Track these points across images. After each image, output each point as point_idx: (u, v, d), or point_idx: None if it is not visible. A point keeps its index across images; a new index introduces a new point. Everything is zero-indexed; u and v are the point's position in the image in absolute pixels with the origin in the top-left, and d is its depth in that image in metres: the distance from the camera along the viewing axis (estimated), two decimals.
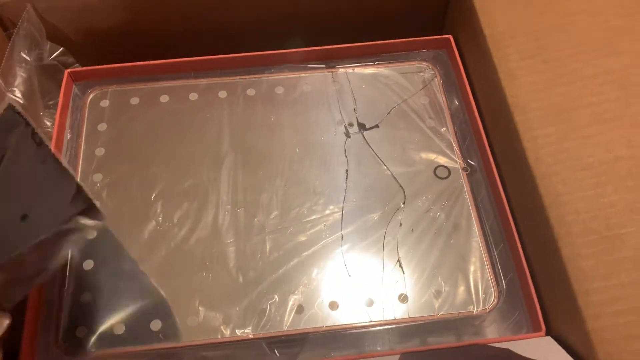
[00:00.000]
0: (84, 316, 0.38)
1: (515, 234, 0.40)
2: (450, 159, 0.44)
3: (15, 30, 0.45)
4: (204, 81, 0.49)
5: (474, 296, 0.39)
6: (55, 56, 0.48)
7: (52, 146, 0.42)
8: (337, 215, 0.42)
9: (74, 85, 0.48)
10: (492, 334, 0.39)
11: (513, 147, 0.40)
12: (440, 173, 0.44)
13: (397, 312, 0.39)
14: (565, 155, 0.37)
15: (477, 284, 0.39)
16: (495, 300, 0.39)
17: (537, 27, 0.42)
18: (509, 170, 0.42)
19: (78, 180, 0.30)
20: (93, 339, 0.37)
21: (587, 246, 0.34)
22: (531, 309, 0.38)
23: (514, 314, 0.39)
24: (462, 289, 0.39)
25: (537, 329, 0.37)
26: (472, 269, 0.40)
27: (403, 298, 0.39)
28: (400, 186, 0.43)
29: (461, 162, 0.44)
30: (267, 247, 0.41)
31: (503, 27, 0.43)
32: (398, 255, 0.40)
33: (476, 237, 0.41)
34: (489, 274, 0.40)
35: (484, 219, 0.42)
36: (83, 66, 0.50)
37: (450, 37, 0.49)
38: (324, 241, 0.41)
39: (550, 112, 0.39)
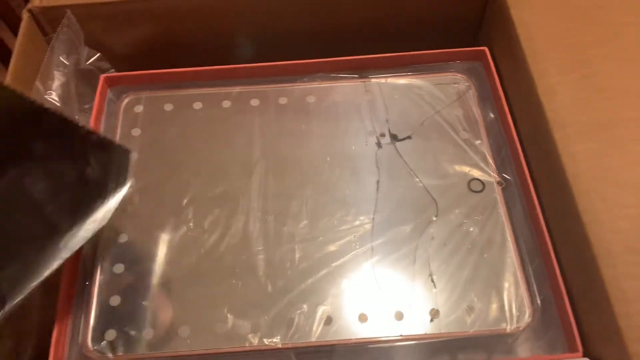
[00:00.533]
0: (113, 319, 0.38)
1: (551, 250, 0.39)
2: (484, 172, 0.43)
3: (54, 35, 0.46)
4: (236, 89, 0.49)
5: (507, 313, 0.38)
6: (92, 61, 0.48)
7: None
8: (368, 227, 0.42)
9: (109, 90, 0.48)
10: (524, 352, 0.38)
11: (551, 162, 0.39)
12: (474, 186, 0.43)
13: (428, 327, 0.38)
14: (606, 171, 0.36)
15: (510, 300, 0.38)
16: (530, 318, 0.38)
17: (578, 40, 0.41)
18: (546, 186, 0.41)
19: None
20: (122, 342, 0.37)
21: (629, 266, 0.33)
22: (567, 328, 0.37)
23: (548, 333, 0.38)
24: (495, 305, 0.38)
25: (573, 349, 0.36)
26: (505, 285, 0.39)
27: (434, 313, 0.38)
28: (433, 198, 0.42)
29: (496, 176, 0.43)
30: (297, 256, 0.40)
31: (542, 40, 0.42)
32: (430, 269, 0.39)
33: (510, 252, 0.40)
34: (523, 290, 0.39)
35: (518, 234, 0.41)
36: (118, 72, 0.50)
37: (486, 49, 0.49)
38: (354, 252, 0.40)
39: (590, 128, 0.38)
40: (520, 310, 0.38)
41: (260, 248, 0.41)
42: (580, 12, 0.43)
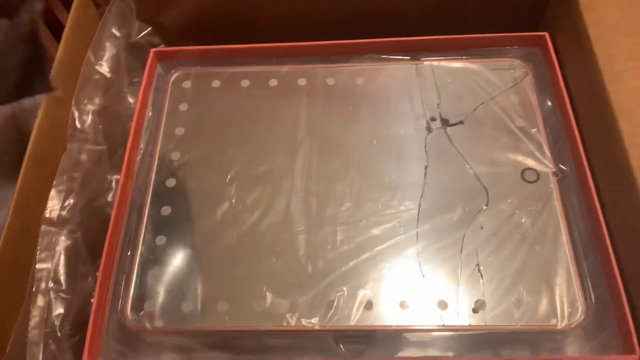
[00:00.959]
0: (152, 291, 0.38)
1: (609, 246, 0.36)
2: (539, 162, 0.41)
3: (107, 7, 0.46)
4: (284, 68, 0.48)
5: (558, 309, 0.36)
6: (143, 35, 0.49)
7: (133, 122, 0.43)
8: (413, 212, 0.40)
9: (158, 65, 0.49)
10: (574, 351, 0.36)
11: (614, 153, 0.37)
12: (528, 176, 0.41)
13: (472, 318, 0.36)
14: None
15: (562, 296, 0.36)
16: (582, 316, 0.36)
17: None
18: (606, 178, 0.39)
19: None
20: (160, 314, 0.37)
21: None
22: (623, 328, 0.35)
23: (602, 333, 0.36)
24: (545, 300, 0.36)
25: (629, 350, 0.34)
26: (557, 280, 0.37)
27: (480, 304, 0.36)
28: (484, 187, 0.41)
29: (552, 166, 0.41)
30: (338, 238, 0.39)
31: (609, 25, 0.40)
32: (477, 259, 0.38)
33: (564, 246, 0.38)
34: (576, 286, 0.37)
35: (573, 227, 0.39)
36: (168, 47, 0.50)
37: (546, 34, 0.46)
38: (397, 238, 0.39)
39: None
40: (573, 306, 0.36)
41: (302, 228, 0.40)
42: None
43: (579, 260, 0.37)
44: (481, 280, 0.37)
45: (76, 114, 0.42)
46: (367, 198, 0.41)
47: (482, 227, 0.39)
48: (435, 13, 0.51)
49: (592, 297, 0.36)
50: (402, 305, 0.37)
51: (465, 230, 0.39)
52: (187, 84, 0.47)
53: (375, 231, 0.39)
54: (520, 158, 0.42)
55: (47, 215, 0.39)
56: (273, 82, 0.47)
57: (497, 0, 0.50)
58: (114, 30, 0.46)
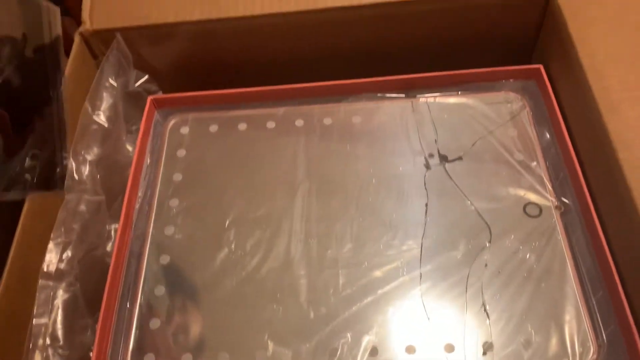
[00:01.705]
0: (152, 343, 0.37)
1: (617, 280, 0.36)
2: (541, 196, 0.41)
3: (104, 58, 0.47)
4: (281, 109, 0.48)
5: (569, 349, 0.35)
6: (141, 83, 0.49)
7: (131, 170, 0.43)
8: (416, 252, 0.39)
9: (155, 112, 0.49)
10: None
11: (615, 185, 0.36)
12: (530, 211, 0.40)
13: None
14: None
15: (572, 335, 0.35)
16: (595, 355, 0.35)
17: None
18: (609, 211, 0.38)
19: None
20: None
21: None
22: None
23: None
24: (555, 340, 0.35)
25: None
26: (566, 317, 0.36)
27: (488, 346, 0.35)
28: (486, 223, 0.40)
29: (554, 200, 0.41)
30: (340, 282, 0.39)
31: (603, 55, 0.40)
32: (483, 298, 0.37)
33: (571, 282, 0.37)
34: (586, 324, 0.36)
35: (579, 262, 0.38)
36: (165, 93, 0.51)
37: (541, 66, 0.46)
38: (401, 279, 0.38)
39: None
40: (584, 345, 0.35)
41: (303, 272, 0.39)
42: None
43: (587, 296, 0.37)
44: (488, 321, 0.36)
45: (74, 165, 0.42)
46: (368, 238, 0.40)
47: (486, 265, 0.38)
48: (427, 50, 0.51)
49: (604, 334, 0.35)
50: (409, 350, 0.36)
51: (469, 269, 0.38)
52: (184, 130, 0.48)
53: (378, 273, 0.39)
54: (521, 192, 0.41)
55: (45, 269, 0.38)
56: (270, 124, 0.47)
57: (488, 33, 0.51)
58: (111, 80, 0.46)
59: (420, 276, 0.38)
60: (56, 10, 0.44)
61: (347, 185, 0.43)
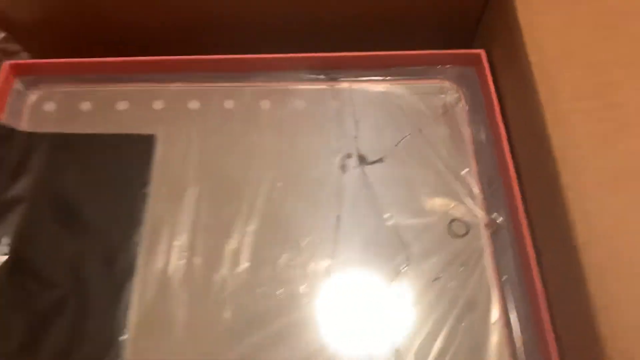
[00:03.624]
0: None
1: (547, 323, 0.30)
2: (469, 212, 0.35)
3: None
4: (173, 86, 0.40)
5: None
6: None
7: None
8: (322, 275, 0.33)
9: (14, 81, 0.39)
10: None
11: (556, 216, 0.30)
12: (456, 229, 0.35)
13: None
14: (629, 242, 0.28)
15: None
16: None
17: (602, 58, 0.32)
18: (547, 238, 0.33)
19: None
20: None
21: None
22: None
23: None
24: None
25: None
26: None
27: None
28: (403, 243, 0.34)
29: (484, 216, 0.35)
30: (227, 314, 0.32)
31: (555, 53, 0.33)
32: (394, 338, 0.31)
33: (496, 320, 0.32)
34: None
35: (507, 295, 0.33)
36: (31, 58, 0.41)
37: (482, 52, 0.39)
38: (303, 309, 0.32)
39: (610, 177, 0.29)
40: None
41: (183, 299, 0.32)
42: (606, 21, 0.34)
43: (511, 339, 0.31)
44: None
45: None
46: (267, 257, 0.34)
47: (399, 296, 0.32)
48: (359, 29, 0.43)
49: None
50: None
51: (381, 299, 0.32)
52: (50, 106, 0.39)
53: (273, 302, 0.32)
54: (449, 205, 0.35)
55: None
56: (157, 105, 0.39)
57: (428, 12, 0.43)
58: None
59: (326, 305, 0.32)
60: None
61: (246, 189, 0.36)
